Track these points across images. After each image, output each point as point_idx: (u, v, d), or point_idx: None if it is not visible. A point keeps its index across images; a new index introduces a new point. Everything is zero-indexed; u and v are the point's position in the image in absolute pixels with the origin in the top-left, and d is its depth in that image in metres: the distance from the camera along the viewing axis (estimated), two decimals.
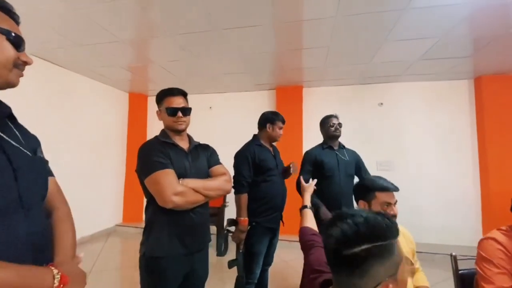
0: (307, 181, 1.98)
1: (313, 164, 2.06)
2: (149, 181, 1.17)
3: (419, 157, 3.75)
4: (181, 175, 1.21)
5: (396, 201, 1.18)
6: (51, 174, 0.86)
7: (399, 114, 3.87)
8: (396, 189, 1.18)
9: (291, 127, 3.98)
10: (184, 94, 1.37)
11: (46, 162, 0.84)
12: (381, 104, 3.94)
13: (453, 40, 2.58)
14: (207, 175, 1.37)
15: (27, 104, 2.93)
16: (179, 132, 1.34)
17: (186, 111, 1.33)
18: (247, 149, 1.91)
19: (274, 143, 2.06)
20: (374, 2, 1.97)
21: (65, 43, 2.72)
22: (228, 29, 2.39)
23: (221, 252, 1.65)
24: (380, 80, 3.82)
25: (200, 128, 4.22)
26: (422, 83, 3.78)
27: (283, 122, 1.98)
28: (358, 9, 2.05)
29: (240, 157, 1.89)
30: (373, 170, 3.86)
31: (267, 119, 1.97)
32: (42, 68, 3.19)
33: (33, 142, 0.78)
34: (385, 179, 1.22)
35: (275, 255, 2.09)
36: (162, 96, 1.35)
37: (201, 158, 1.37)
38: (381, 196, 1.17)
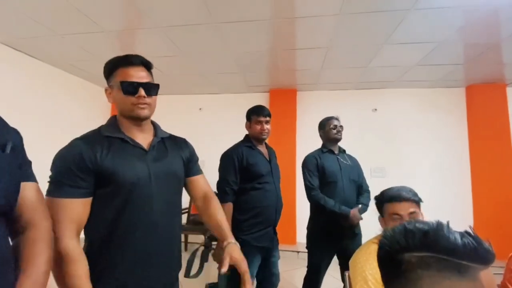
0: (316, 187, 1.80)
1: (316, 169, 1.91)
2: (47, 202, 0.76)
3: (413, 164, 3.72)
4: (134, 185, 0.84)
5: (414, 212, 1.02)
6: (31, 179, 0.67)
7: (393, 120, 3.84)
8: (408, 198, 1.04)
9: (284, 131, 3.86)
10: (147, 66, 0.94)
11: (26, 163, 0.66)
12: (375, 110, 3.91)
13: (450, 46, 2.57)
14: (177, 182, 0.99)
15: None
16: (140, 120, 0.90)
17: (151, 88, 0.90)
18: (234, 150, 1.65)
19: (266, 142, 1.82)
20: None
21: (41, 32, 2.45)
22: (224, 23, 2.23)
23: (188, 274, 1.38)
24: (374, 86, 3.78)
25: (189, 130, 4.01)
26: (416, 89, 3.78)
27: (264, 115, 1.67)
28: (364, 6, 1.96)
29: (226, 160, 1.64)
30: (366, 176, 3.78)
31: (246, 118, 1.76)
32: (15, 59, 2.88)
33: (3, 136, 0.60)
34: (401, 187, 1.09)
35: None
36: (114, 65, 0.90)
37: (171, 157, 0.97)
38: (389, 208, 1.06)
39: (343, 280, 1.84)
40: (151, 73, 0.96)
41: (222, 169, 1.64)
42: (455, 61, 2.91)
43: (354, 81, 3.61)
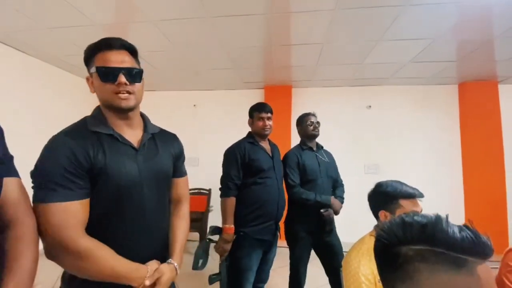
0: (297, 184, 1.80)
1: (297, 166, 1.90)
2: (37, 210, 0.68)
3: (406, 161, 3.75)
4: (123, 187, 0.78)
5: (422, 210, 1.03)
6: (13, 174, 0.64)
7: (386, 117, 3.86)
8: (422, 195, 1.04)
9: (279, 128, 3.83)
10: (130, 50, 0.83)
11: (8, 158, 0.63)
12: (369, 106, 3.92)
13: (443, 43, 2.58)
14: (167, 181, 0.94)
15: None
16: (123, 111, 0.81)
17: (134, 74, 0.80)
18: (237, 146, 1.69)
19: (269, 139, 1.86)
20: None
21: (29, 25, 2.36)
22: (218, 17, 2.19)
23: (197, 266, 1.41)
24: (368, 83, 3.79)
25: (183, 126, 3.97)
26: (409, 86, 3.81)
27: (266, 111, 1.70)
28: (359, 1, 1.94)
29: (229, 155, 1.67)
30: (360, 173, 3.84)
31: (248, 115, 1.80)
32: (2, 53, 2.78)
33: None
34: (405, 184, 1.08)
35: None
36: (92, 50, 0.81)
37: (161, 156, 0.90)
38: (406, 205, 1.02)
39: (327, 273, 1.87)
40: (136, 59, 0.85)
41: (226, 164, 1.67)
42: (448, 58, 2.93)
43: (348, 77, 3.61)
